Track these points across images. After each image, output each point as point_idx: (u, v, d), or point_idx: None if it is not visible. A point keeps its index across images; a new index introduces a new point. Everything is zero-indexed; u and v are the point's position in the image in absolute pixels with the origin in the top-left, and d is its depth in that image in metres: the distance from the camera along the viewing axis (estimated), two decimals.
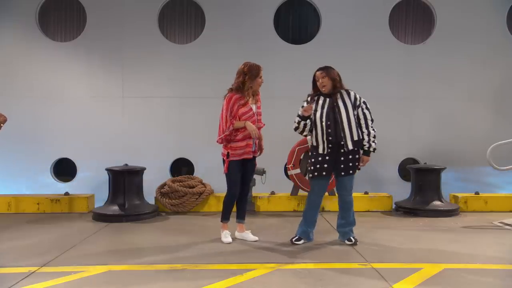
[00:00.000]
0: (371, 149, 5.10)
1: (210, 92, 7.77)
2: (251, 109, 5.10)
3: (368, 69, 8.25)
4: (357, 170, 5.14)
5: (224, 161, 5.18)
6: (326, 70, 5.12)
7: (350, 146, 5.00)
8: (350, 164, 5.06)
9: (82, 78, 8.37)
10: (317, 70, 5.17)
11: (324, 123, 5.03)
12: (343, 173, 5.08)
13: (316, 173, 5.11)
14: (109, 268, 4.31)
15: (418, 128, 8.48)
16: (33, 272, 4.16)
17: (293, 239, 5.29)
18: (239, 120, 5.04)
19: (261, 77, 5.14)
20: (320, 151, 5.08)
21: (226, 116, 5.02)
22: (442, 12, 8.49)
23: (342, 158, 5.04)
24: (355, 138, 5.01)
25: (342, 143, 4.99)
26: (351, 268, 4.35)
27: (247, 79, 5.03)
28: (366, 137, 5.07)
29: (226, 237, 5.23)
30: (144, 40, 8.33)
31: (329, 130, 5.02)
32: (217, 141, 5.18)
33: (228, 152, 5.10)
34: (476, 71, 8.47)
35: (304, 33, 8.92)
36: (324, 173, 5.10)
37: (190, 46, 8.48)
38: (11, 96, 8.03)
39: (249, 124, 5.04)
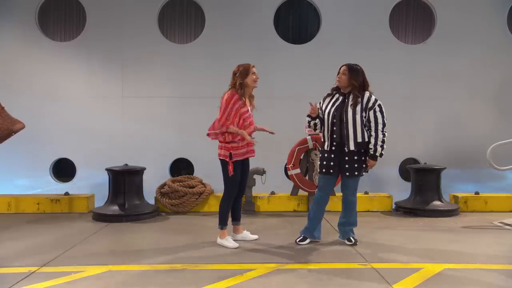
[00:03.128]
0: (377, 154, 5.01)
1: (210, 92, 7.73)
2: (248, 110, 5.08)
3: (368, 69, 8.10)
4: (363, 173, 5.09)
5: (224, 163, 5.06)
6: (351, 72, 5.05)
7: (352, 147, 4.98)
8: (356, 165, 5.03)
9: (82, 78, 8.37)
10: (345, 65, 5.12)
11: (330, 121, 5.06)
12: (347, 174, 5.06)
13: (323, 170, 5.16)
14: (109, 268, 4.31)
15: (418, 128, 8.48)
16: (33, 272, 4.16)
17: (297, 240, 5.28)
18: (239, 120, 5.00)
19: (253, 73, 5.08)
20: (326, 147, 5.13)
21: (225, 114, 4.95)
22: (442, 12, 8.50)
23: (346, 158, 5.03)
24: (359, 140, 4.98)
25: (345, 143, 5.00)
26: (351, 268, 4.35)
27: (238, 77, 5.02)
28: (372, 141, 4.99)
29: (231, 242, 5.12)
30: (144, 40, 8.33)
31: (334, 128, 5.03)
32: (207, 134, 5.07)
33: (230, 153, 5.01)
34: (476, 71, 8.48)
35: (304, 33, 8.92)
36: (326, 170, 5.12)
37: (190, 46, 8.49)
38: (11, 95, 7.99)
39: (244, 134, 4.98)
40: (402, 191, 7.78)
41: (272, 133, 5.24)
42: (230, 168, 5.00)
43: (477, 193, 7.51)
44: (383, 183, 8.30)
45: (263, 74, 8.14)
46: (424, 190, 7.15)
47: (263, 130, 5.30)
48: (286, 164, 7.36)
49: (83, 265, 4.39)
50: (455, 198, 7.52)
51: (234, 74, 5.08)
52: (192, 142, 8.26)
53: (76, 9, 8.59)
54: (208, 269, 4.28)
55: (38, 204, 7.20)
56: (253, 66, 5.12)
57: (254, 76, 5.09)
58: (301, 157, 7.21)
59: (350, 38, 8.35)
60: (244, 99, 5.05)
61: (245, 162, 5.20)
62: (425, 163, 7.55)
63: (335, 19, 8.43)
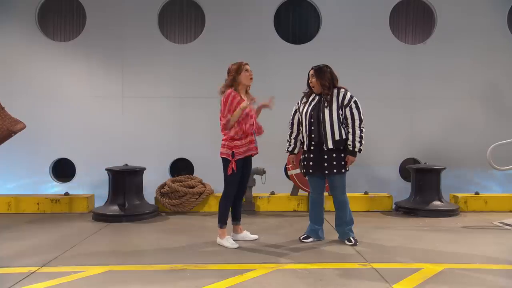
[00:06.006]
0: (356, 150, 5.05)
1: (210, 92, 7.69)
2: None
3: (369, 69, 8.25)
4: (343, 170, 5.10)
5: (226, 161, 5.07)
6: (318, 72, 5.14)
7: (330, 145, 5.02)
8: (334, 163, 5.05)
9: (82, 78, 8.37)
10: (312, 68, 5.23)
11: (307, 121, 5.11)
12: (326, 172, 5.09)
13: (304, 170, 5.27)
14: (109, 268, 4.31)
15: (418, 128, 8.47)
16: (33, 272, 4.16)
17: (301, 237, 5.36)
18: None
19: (247, 70, 5.11)
20: (305, 147, 5.22)
21: (225, 111, 4.97)
22: (442, 12, 8.49)
23: (325, 157, 5.07)
24: (337, 137, 5.01)
25: (323, 142, 5.03)
26: (351, 268, 4.35)
27: (231, 75, 5.08)
28: (350, 137, 5.04)
29: (230, 242, 5.12)
30: (144, 40, 8.33)
31: (312, 128, 5.09)
32: (223, 125, 5.03)
33: (233, 152, 5.02)
34: (476, 71, 8.47)
35: (304, 33, 8.91)
36: (310, 170, 5.19)
37: (190, 46, 8.48)
38: (11, 95, 7.96)
39: (242, 106, 4.96)
40: (402, 191, 7.78)
41: (269, 101, 5.16)
42: (233, 166, 5.01)
43: (477, 193, 7.52)
44: (384, 183, 8.29)
45: (264, 74, 8.19)
46: (424, 190, 7.15)
47: (264, 107, 5.24)
48: (286, 164, 7.36)
49: (83, 265, 4.39)
50: (455, 198, 7.52)
51: (228, 72, 5.15)
52: (192, 142, 8.27)
53: (76, 9, 8.59)
54: (208, 269, 4.28)
55: (38, 204, 7.20)
56: (246, 64, 5.14)
57: (248, 73, 5.11)
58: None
59: (350, 38, 8.36)
60: (240, 96, 5.07)
61: (247, 161, 5.20)
62: (425, 163, 7.55)
63: (335, 19, 8.43)
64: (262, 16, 8.41)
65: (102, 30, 8.29)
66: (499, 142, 6.51)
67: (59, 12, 8.69)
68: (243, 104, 4.96)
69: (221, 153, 5.11)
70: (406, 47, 8.57)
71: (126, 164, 7.02)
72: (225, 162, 5.09)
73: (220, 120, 5.08)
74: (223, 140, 5.12)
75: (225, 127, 5.01)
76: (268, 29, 8.40)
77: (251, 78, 5.15)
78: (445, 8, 8.49)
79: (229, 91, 5.03)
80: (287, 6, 8.67)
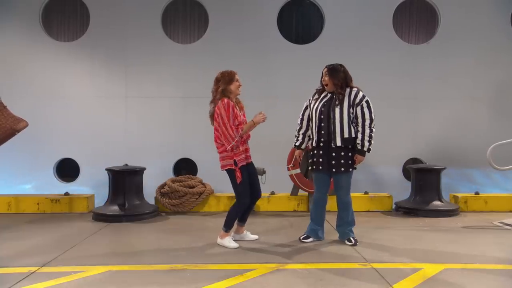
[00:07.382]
0: (365, 149, 5.05)
1: None
2: (240, 115, 5.09)
3: (372, 69, 8.22)
4: (351, 169, 5.11)
5: (231, 172, 5.01)
6: (331, 71, 5.14)
7: (339, 143, 5.02)
8: (342, 161, 5.05)
9: (85, 78, 8.36)
10: (325, 67, 5.23)
11: (317, 118, 5.12)
12: (334, 170, 5.09)
13: (314, 166, 5.24)
14: (109, 268, 4.31)
15: (421, 128, 8.45)
16: (33, 272, 4.17)
17: (301, 237, 5.36)
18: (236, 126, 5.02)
19: (237, 80, 5.10)
20: (314, 144, 5.21)
21: (231, 124, 4.94)
22: (445, 12, 8.47)
23: (333, 154, 5.07)
24: (346, 135, 5.02)
25: (332, 139, 5.04)
26: (351, 268, 4.35)
27: (221, 84, 5.04)
28: (360, 136, 5.04)
29: (231, 242, 5.11)
30: (147, 40, 8.32)
31: (322, 125, 5.10)
32: (228, 149, 4.96)
33: (235, 160, 4.98)
34: (479, 71, 8.44)
35: (307, 33, 8.90)
36: (319, 167, 5.17)
37: (193, 46, 8.47)
38: (14, 95, 7.97)
39: (256, 119, 5.00)
40: (405, 191, 7.75)
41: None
42: (239, 174, 4.98)
43: (477, 193, 7.51)
44: (387, 183, 8.26)
45: (266, 74, 8.21)
46: (424, 190, 7.15)
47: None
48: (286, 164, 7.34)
49: (83, 265, 4.39)
50: (455, 198, 7.52)
51: (218, 80, 5.10)
52: (195, 142, 8.24)
53: (80, 9, 8.59)
54: (208, 269, 4.29)
55: (38, 204, 7.21)
56: (236, 73, 5.14)
57: (238, 83, 5.11)
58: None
59: (353, 38, 8.34)
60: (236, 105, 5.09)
61: (249, 167, 5.19)
62: (425, 163, 7.53)
63: (338, 19, 8.42)
64: (265, 15, 8.40)
65: (106, 30, 8.28)
66: (499, 142, 6.50)
67: (63, 12, 8.69)
68: (262, 118, 5.00)
69: (223, 166, 5.05)
70: (409, 47, 8.55)
71: (126, 164, 7.02)
72: (230, 173, 5.04)
73: (217, 130, 5.00)
74: (219, 153, 5.07)
75: (234, 139, 4.96)
76: (271, 28, 8.39)
77: (239, 88, 5.14)
78: (449, 8, 8.46)
79: (226, 100, 4.98)
80: (291, 6, 8.67)
